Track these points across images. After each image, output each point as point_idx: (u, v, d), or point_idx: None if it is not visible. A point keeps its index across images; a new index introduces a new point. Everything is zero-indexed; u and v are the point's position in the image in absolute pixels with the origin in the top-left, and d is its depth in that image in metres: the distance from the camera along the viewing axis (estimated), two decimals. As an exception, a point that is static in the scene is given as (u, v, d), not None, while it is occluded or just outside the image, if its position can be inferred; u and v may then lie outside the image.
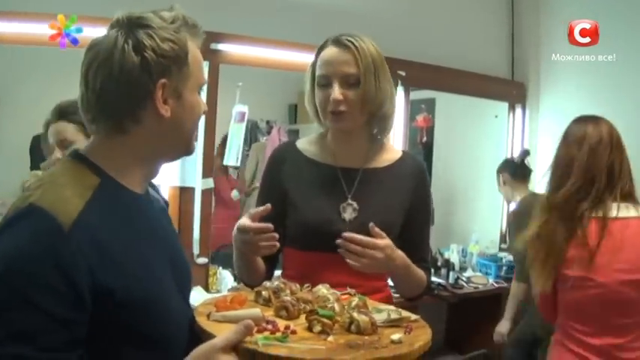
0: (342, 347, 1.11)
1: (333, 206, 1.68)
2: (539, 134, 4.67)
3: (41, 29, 2.80)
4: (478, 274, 4.27)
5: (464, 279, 4.11)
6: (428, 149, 4.64)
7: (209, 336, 1.09)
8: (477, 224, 4.79)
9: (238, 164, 3.63)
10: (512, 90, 4.72)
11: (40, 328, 0.92)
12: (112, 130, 1.10)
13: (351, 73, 1.63)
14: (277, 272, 1.78)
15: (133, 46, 1.05)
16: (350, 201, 1.69)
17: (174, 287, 1.17)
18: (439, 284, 3.94)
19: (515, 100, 4.73)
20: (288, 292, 1.36)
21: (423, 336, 1.21)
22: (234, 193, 4.02)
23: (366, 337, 1.17)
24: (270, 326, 1.16)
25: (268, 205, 1.52)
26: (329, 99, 1.63)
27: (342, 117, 1.65)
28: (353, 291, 1.42)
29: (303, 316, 1.24)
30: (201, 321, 1.19)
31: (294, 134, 3.99)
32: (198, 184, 3.32)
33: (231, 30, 3.32)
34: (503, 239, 4.72)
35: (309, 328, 1.19)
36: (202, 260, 3.33)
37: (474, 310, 4.08)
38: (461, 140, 4.81)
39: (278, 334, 1.12)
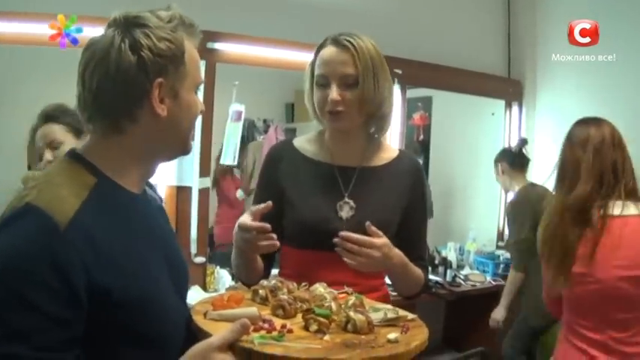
0: (339, 346, 1.11)
1: (330, 204, 1.68)
2: (535, 132, 4.68)
3: (41, 29, 2.80)
4: (475, 271, 4.28)
5: (461, 277, 4.12)
6: (425, 147, 4.65)
7: (206, 335, 1.09)
8: (474, 222, 4.80)
9: (235, 163, 3.63)
10: (508, 88, 4.73)
11: (35, 327, 0.92)
12: (109, 130, 1.10)
13: (349, 73, 1.62)
14: (274, 271, 1.78)
15: (129, 46, 1.05)
16: (347, 199, 1.69)
17: (171, 286, 1.17)
18: (437, 282, 3.95)
19: (511, 98, 4.74)
20: (285, 290, 1.36)
21: (419, 335, 1.21)
22: (240, 193, 4.01)
23: (363, 337, 1.17)
24: (266, 325, 1.15)
25: (269, 203, 1.52)
26: (327, 99, 1.63)
27: (339, 117, 1.65)
28: (350, 290, 1.42)
29: (299, 315, 1.24)
30: (198, 320, 1.19)
31: (291, 133, 3.98)
32: (196, 183, 3.32)
33: (228, 29, 3.32)
34: (500, 237, 4.73)
35: (306, 327, 1.18)
36: (200, 259, 3.33)
37: (471, 307, 4.09)
38: (458, 138, 4.82)
39: (274, 333, 1.12)
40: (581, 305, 1.95)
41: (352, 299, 1.32)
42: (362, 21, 2.90)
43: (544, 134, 4.50)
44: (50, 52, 2.86)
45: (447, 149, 4.81)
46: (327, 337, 1.15)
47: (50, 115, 2.08)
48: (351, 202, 1.68)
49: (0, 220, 1.01)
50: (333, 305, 1.26)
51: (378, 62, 1.66)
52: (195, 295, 2.80)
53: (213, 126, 3.33)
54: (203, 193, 3.35)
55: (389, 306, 1.37)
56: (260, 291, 1.37)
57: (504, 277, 3.98)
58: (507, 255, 4.25)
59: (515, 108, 4.77)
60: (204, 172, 3.33)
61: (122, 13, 1.09)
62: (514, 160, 3.81)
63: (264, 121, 4.28)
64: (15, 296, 0.92)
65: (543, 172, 3.69)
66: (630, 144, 2.00)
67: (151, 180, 1.28)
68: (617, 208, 1.90)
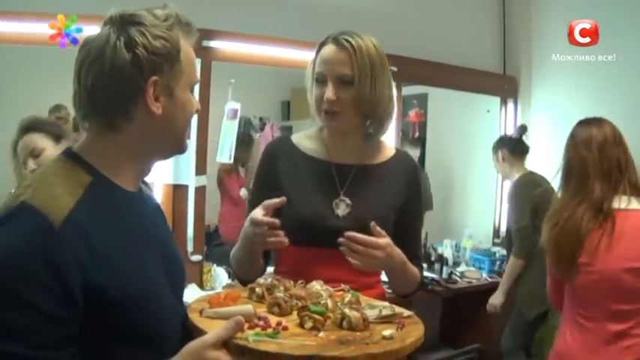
0: (333, 343, 1.11)
1: (327, 202, 1.68)
2: (530, 128, 4.67)
3: (41, 29, 2.80)
4: (472, 268, 4.29)
5: (457, 274, 4.12)
6: (420, 144, 4.64)
7: (201, 332, 1.09)
8: (470, 219, 4.80)
9: (231, 161, 3.63)
10: (504, 84, 4.74)
11: (31, 326, 0.92)
12: (104, 128, 1.10)
13: (345, 73, 1.62)
14: (269, 269, 1.78)
15: (124, 43, 1.06)
16: (343, 197, 1.69)
17: (167, 285, 1.17)
18: (433, 279, 3.95)
19: (507, 95, 4.75)
20: (281, 288, 1.36)
21: (415, 332, 1.21)
22: (244, 192, 4.00)
23: (358, 333, 1.17)
24: (261, 322, 1.16)
25: (284, 198, 1.54)
26: (323, 97, 1.63)
27: (335, 117, 1.65)
28: (347, 287, 1.42)
29: (295, 313, 1.24)
30: (194, 317, 1.19)
31: (288, 131, 3.98)
32: (192, 181, 3.32)
33: (223, 27, 3.32)
34: (496, 234, 4.74)
35: (301, 325, 1.19)
36: (196, 258, 3.33)
37: (467, 304, 4.10)
38: (453, 135, 4.83)
39: (269, 331, 1.13)
40: (582, 296, 2.00)
41: (348, 296, 1.33)
42: (357, 18, 2.90)
43: (539, 131, 4.51)
44: (50, 52, 2.86)
45: (442, 146, 4.82)
46: (321, 334, 1.15)
47: (29, 127, 2.16)
48: (347, 200, 1.69)
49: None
50: (329, 302, 1.26)
51: (378, 63, 1.65)
52: (191, 294, 2.79)
53: (209, 124, 3.33)
54: (199, 191, 3.35)
55: (386, 303, 1.37)
56: (257, 289, 1.37)
57: (500, 274, 3.99)
58: (503, 252, 4.27)
59: (510, 105, 4.77)
60: (200, 170, 3.33)
61: (118, 12, 1.10)
62: (515, 147, 3.79)
63: (260, 119, 4.27)
64: (10, 295, 0.92)
65: (538, 167, 3.72)
66: (631, 143, 2.07)
67: (147, 179, 1.28)
68: (622, 203, 1.97)
